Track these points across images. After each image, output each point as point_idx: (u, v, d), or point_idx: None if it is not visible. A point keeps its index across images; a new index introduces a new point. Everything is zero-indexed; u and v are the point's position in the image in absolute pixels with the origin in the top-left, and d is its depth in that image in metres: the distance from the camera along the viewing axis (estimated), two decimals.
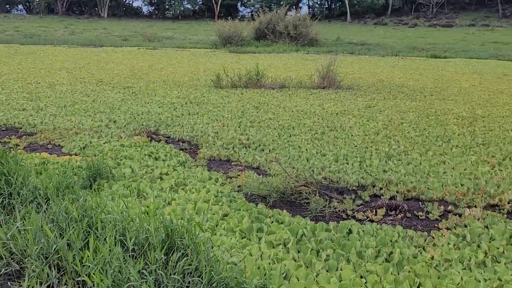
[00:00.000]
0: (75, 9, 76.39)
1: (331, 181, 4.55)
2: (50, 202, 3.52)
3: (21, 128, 6.47)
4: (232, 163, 5.16)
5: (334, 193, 4.21)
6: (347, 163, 5.16)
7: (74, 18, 59.81)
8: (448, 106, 8.90)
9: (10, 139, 5.84)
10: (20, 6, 76.81)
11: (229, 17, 29.94)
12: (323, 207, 3.85)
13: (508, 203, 4.07)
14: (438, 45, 27.84)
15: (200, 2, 78.05)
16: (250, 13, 59.56)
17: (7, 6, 75.09)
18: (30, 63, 15.18)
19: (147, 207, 3.72)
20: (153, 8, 78.44)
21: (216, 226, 3.49)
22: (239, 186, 4.33)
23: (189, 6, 75.33)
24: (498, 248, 3.21)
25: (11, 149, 5.19)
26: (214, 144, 5.78)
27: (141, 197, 4.00)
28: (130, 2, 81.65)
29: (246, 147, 5.73)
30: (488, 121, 7.52)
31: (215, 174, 4.64)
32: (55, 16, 63.91)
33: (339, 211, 3.88)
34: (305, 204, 3.98)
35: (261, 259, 3.01)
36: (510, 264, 3.03)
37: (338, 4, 74.29)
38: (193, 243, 2.64)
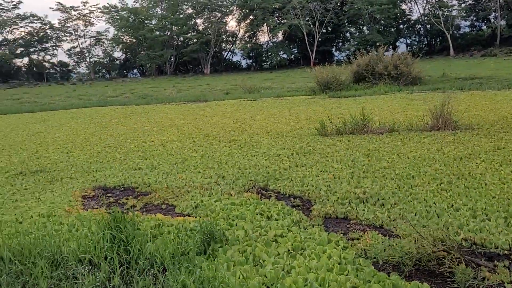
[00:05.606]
0: (181, 69, 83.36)
1: (474, 243, 3.85)
2: (166, 272, 3.41)
3: (137, 187, 6.69)
4: (351, 221, 4.68)
5: (481, 260, 3.52)
6: (489, 220, 4.39)
7: (180, 77, 64.89)
8: None
9: (127, 200, 6.02)
10: (135, 70, 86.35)
11: (325, 63, 29.87)
12: (473, 278, 3.20)
13: None
14: None
15: (296, 51, 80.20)
16: (345, 57, 59.40)
17: (124, 71, 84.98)
18: (144, 122, 16.36)
19: (265, 276, 3.40)
20: (251, 61, 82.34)
21: None
22: (363, 250, 3.84)
23: (285, 56, 77.79)
24: None
25: (129, 211, 5.30)
26: (328, 200, 5.35)
27: (257, 264, 3.69)
28: (230, 58, 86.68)
29: (363, 202, 5.21)
30: None
31: (334, 236, 4.18)
32: (164, 76, 70.02)
33: (492, 284, 3.19)
34: (448, 274, 3.36)
35: None
36: None
37: (438, 40, 71.33)
38: None
